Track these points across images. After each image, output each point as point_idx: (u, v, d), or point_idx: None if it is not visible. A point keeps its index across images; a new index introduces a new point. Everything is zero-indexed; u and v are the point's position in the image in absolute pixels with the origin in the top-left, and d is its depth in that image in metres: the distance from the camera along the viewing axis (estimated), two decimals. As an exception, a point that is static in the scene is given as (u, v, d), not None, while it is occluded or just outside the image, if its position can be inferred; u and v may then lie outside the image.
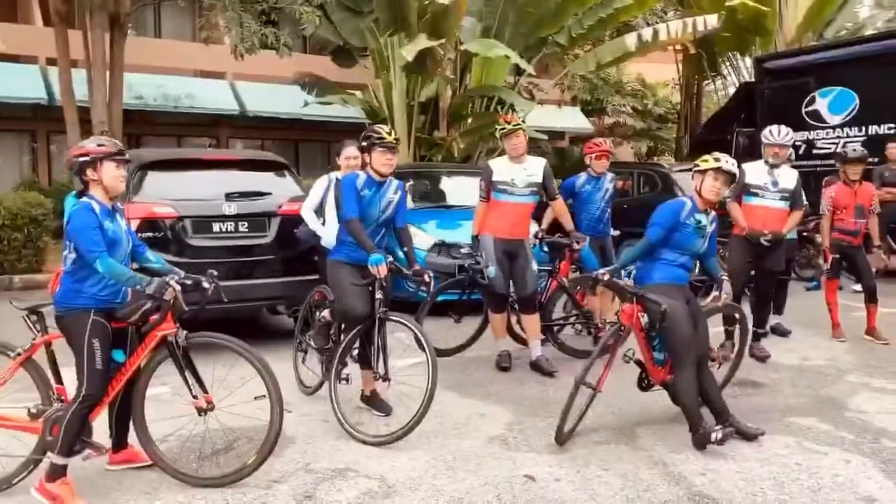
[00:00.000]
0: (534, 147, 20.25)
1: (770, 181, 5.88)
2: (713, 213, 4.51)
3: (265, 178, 6.33)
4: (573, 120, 22.17)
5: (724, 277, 4.49)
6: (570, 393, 4.13)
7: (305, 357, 5.14)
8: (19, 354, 3.64)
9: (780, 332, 6.86)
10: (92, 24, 12.12)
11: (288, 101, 16.95)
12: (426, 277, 4.43)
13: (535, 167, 5.52)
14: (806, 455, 4.07)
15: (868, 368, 5.83)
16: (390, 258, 4.32)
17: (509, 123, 5.41)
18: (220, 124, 18.97)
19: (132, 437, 3.82)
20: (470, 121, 13.26)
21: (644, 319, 4.34)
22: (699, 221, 4.38)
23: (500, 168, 5.48)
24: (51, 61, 14.95)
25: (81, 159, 3.50)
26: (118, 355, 3.61)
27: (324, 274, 5.62)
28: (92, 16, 12.10)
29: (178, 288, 3.47)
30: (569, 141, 24.21)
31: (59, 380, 3.73)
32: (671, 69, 22.46)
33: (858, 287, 8.39)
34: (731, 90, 24.38)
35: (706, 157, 4.45)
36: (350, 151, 5.59)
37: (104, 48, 12.24)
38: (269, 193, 6.16)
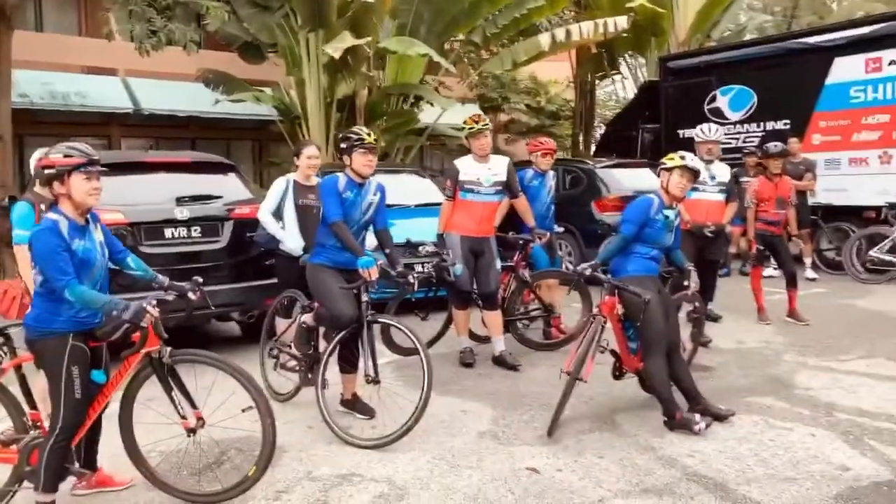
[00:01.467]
0: (439, 144, 20.57)
1: (708, 175, 6.23)
2: (678, 207, 4.76)
3: (213, 180, 6.12)
4: (472, 117, 22.45)
5: (691, 268, 4.74)
6: (566, 387, 4.26)
7: (277, 363, 5.02)
8: None
9: (712, 317, 7.26)
10: (-25, 17, 11.23)
11: (185, 99, 16.29)
12: (410, 278, 4.44)
13: (500, 166, 5.62)
14: (775, 432, 4.37)
15: (799, 348, 6.30)
16: (380, 260, 4.30)
17: (477, 123, 5.49)
18: (112, 123, 18.02)
19: (104, 459, 3.68)
20: (386, 118, 13.24)
21: (620, 310, 4.54)
22: (667, 217, 4.62)
23: (467, 168, 5.55)
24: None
25: (47, 172, 3.19)
26: (98, 376, 3.38)
27: (281, 278, 5.55)
28: (-25, 8, 11.21)
29: (157, 313, 3.24)
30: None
31: (32, 405, 3.50)
32: (563, 67, 23.14)
33: (767, 272, 9.06)
34: (622, 86, 25.55)
35: (672, 155, 4.68)
36: (311, 151, 5.51)
37: (-12, 43, 11.38)
38: (220, 196, 5.96)
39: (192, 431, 3.49)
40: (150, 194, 5.70)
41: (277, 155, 17.59)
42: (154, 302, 3.25)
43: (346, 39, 10.27)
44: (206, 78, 14.48)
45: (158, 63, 14.52)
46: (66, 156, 3.19)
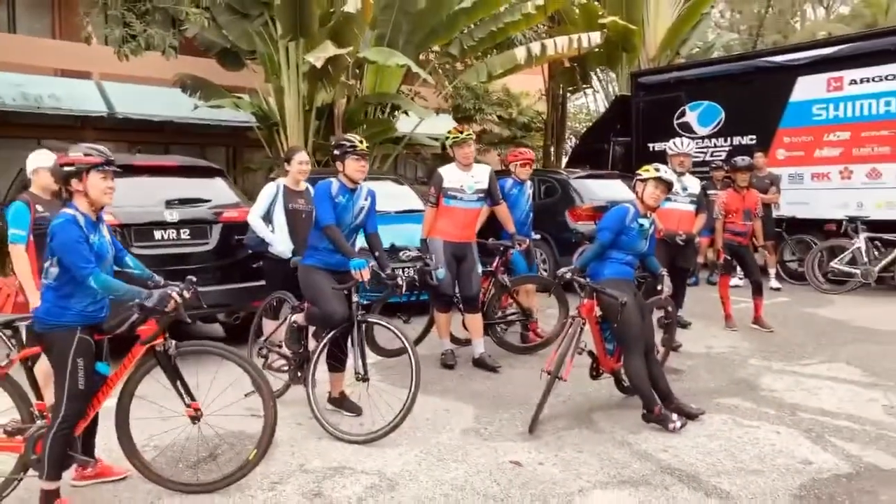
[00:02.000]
0: (414, 154, 20.75)
1: (680, 187, 6.51)
2: (653, 216, 5.01)
3: (201, 184, 6.25)
4: (446, 127, 22.64)
5: (664, 273, 4.99)
6: (547, 385, 4.47)
7: (266, 362, 5.15)
8: None
9: (681, 323, 7.53)
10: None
11: (160, 103, 16.28)
12: (399, 280, 4.62)
13: (482, 174, 5.84)
14: (743, 429, 4.62)
15: (764, 353, 6.59)
16: (372, 262, 4.48)
17: (462, 133, 5.71)
18: (86, 126, 17.92)
19: (101, 451, 3.79)
20: (364, 127, 13.41)
21: (598, 312, 4.77)
22: (642, 225, 4.87)
23: (450, 175, 5.76)
24: None
25: (66, 169, 3.36)
26: (103, 368, 3.53)
27: (270, 280, 5.68)
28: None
29: (180, 300, 3.42)
30: (441, 147, 24.73)
31: (39, 396, 3.62)
32: (536, 80, 23.52)
33: (732, 282, 9.38)
34: (593, 100, 25.98)
35: (647, 167, 4.93)
36: (302, 157, 5.66)
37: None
38: (209, 200, 6.09)
39: (195, 419, 3.66)
40: (140, 197, 5.79)
41: (253, 161, 17.64)
42: (178, 290, 3.43)
43: (329, 49, 10.43)
44: (183, 83, 14.50)
45: (133, 67, 14.50)
46: (86, 154, 3.38)
